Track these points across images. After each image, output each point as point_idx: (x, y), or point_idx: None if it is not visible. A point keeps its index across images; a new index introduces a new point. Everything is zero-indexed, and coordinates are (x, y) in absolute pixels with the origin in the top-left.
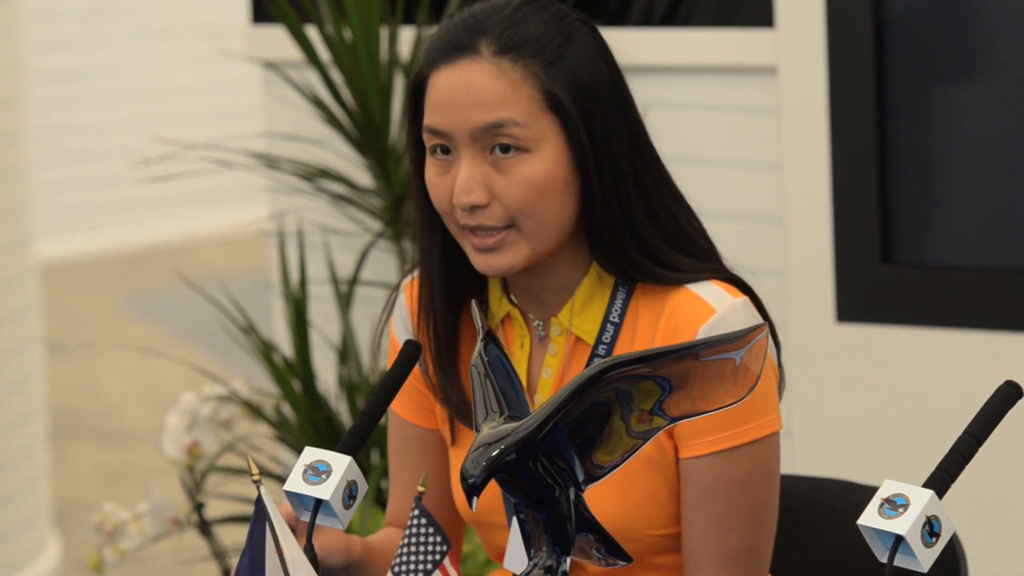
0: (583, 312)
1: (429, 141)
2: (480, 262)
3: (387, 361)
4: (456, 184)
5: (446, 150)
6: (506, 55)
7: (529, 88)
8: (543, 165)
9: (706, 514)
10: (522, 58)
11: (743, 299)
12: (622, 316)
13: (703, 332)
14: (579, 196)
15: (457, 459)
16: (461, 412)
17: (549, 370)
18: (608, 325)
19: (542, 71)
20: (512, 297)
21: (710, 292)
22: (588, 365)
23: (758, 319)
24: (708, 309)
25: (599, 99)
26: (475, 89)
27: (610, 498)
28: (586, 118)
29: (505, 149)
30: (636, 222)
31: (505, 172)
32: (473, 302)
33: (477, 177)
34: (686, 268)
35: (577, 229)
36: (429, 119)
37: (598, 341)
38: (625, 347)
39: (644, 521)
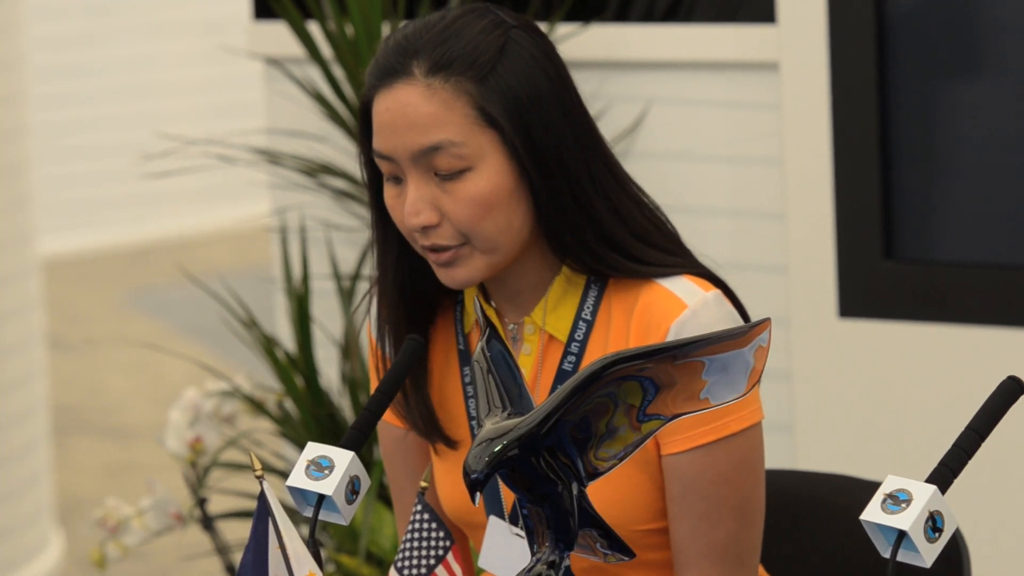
0: (556, 310)
1: (380, 165)
2: (442, 276)
3: (368, 358)
4: (405, 207)
5: (398, 178)
6: (437, 74)
7: (463, 106)
8: (485, 181)
9: (691, 510)
10: (453, 76)
11: (715, 292)
12: (594, 313)
13: (675, 327)
14: (531, 204)
15: (439, 463)
16: (429, 429)
17: (523, 370)
18: (580, 322)
19: (474, 87)
20: (487, 297)
21: (680, 287)
22: (561, 363)
23: (731, 312)
24: (679, 304)
25: (538, 107)
26: (409, 112)
27: (591, 494)
28: (525, 129)
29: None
30: (599, 219)
31: (450, 191)
32: (477, 298)
33: (425, 198)
34: (655, 261)
35: (538, 234)
36: (375, 143)
37: (570, 339)
38: (598, 344)
39: (627, 517)
